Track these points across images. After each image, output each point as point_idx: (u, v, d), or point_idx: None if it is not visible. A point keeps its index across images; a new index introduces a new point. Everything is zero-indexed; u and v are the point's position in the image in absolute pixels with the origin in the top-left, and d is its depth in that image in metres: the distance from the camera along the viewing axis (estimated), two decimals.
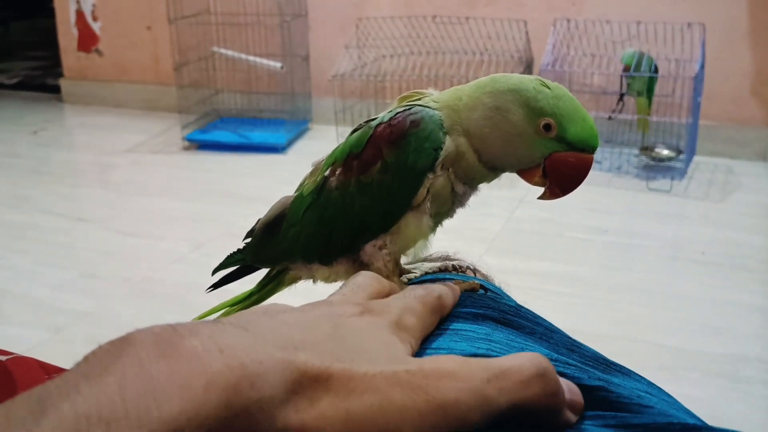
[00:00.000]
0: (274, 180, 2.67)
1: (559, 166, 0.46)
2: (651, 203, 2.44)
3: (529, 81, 0.46)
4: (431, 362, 0.32)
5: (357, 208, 0.50)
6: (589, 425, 0.34)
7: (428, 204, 0.49)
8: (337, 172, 0.51)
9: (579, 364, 0.40)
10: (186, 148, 3.09)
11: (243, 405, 0.26)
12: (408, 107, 0.49)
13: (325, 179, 0.52)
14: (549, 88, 0.45)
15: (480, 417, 0.31)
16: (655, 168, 2.71)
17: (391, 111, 0.50)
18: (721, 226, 2.27)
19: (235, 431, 0.26)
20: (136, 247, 2.16)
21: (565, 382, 0.34)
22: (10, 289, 1.91)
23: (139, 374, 0.25)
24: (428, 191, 0.48)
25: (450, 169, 0.48)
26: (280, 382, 0.28)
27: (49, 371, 0.64)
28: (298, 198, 0.54)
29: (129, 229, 2.31)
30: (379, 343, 0.33)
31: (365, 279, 0.42)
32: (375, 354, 0.32)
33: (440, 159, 0.47)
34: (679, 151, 2.71)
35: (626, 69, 2.56)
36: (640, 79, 2.62)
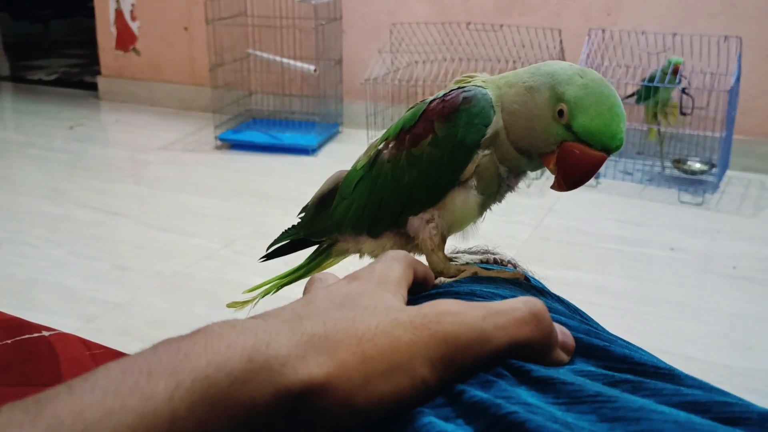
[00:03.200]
0: (303, 181, 2.69)
1: (564, 156, 0.46)
2: (682, 216, 2.42)
3: (568, 68, 0.46)
4: (429, 306, 0.35)
5: (406, 181, 0.50)
6: (581, 364, 0.36)
7: (475, 181, 0.49)
8: (390, 146, 0.52)
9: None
10: (218, 148, 3.14)
11: (263, 359, 0.31)
12: (462, 87, 0.50)
13: (378, 152, 0.53)
14: (582, 78, 0.45)
15: (480, 350, 0.34)
16: (686, 181, 2.68)
17: (446, 90, 0.51)
18: (753, 240, 2.24)
19: (262, 381, 0.30)
20: (167, 242, 2.20)
21: (557, 326, 0.37)
22: (44, 278, 1.95)
23: (171, 346, 0.31)
24: (475, 168, 0.49)
25: (492, 148, 0.49)
26: (291, 342, 0.32)
27: (90, 348, 0.66)
28: (352, 172, 0.55)
29: (161, 225, 2.34)
30: (373, 300, 0.36)
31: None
32: (373, 309, 0.35)
33: (486, 135, 0.48)
34: (711, 165, 2.68)
35: (675, 71, 2.54)
36: (665, 90, 2.60)
